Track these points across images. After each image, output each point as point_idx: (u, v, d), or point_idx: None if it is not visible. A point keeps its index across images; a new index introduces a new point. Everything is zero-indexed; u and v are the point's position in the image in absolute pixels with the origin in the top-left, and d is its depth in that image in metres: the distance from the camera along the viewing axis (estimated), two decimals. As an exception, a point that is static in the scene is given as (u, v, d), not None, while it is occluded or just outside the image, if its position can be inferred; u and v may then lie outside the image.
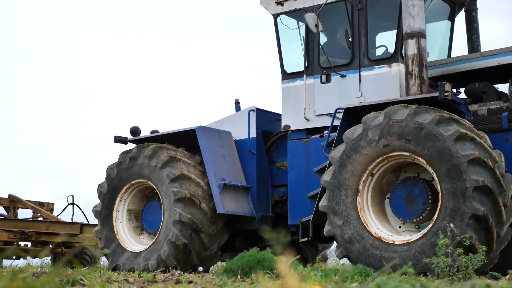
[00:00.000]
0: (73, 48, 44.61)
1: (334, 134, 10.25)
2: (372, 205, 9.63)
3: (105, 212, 12.21)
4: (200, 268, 11.02)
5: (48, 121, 46.85)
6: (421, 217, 9.31)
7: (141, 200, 12.42)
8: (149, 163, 11.71)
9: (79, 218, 16.91)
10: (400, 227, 9.63)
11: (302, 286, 2.02)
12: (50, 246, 16.07)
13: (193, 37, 49.41)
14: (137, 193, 12.28)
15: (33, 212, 17.09)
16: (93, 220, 15.46)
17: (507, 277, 6.75)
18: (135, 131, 12.75)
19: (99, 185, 12.45)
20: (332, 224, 9.59)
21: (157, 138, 12.42)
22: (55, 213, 17.31)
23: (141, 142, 12.52)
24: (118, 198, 12.14)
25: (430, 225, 8.90)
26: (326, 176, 9.74)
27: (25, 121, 45.28)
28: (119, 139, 12.94)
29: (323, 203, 9.72)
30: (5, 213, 16.84)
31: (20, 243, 16.12)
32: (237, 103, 13.09)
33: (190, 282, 7.04)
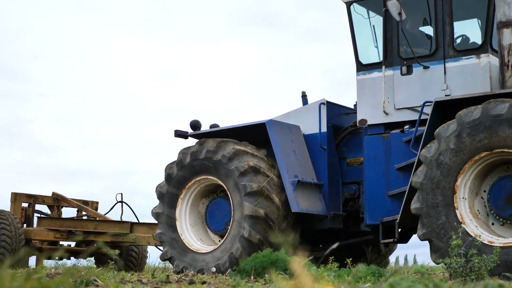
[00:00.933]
0: (85, 48, 44.70)
1: (421, 129, 9.75)
2: (469, 205, 9.00)
3: (166, 213, 11.54)
4: (213, 269, 11.02)
5: (59, 122, 46.97)
6: None
7: (204, 198, 11.78)
8: (214, 158, 11.09)
9: (128, 217, 16.13)
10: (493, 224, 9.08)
11: (316, 286, 2.03)
12: (95, 245, 15.40)
13: (208, 39, 49.46)
14: (200, 191, 11.62)
15: (77, 211, 16.44)
16: (143, 219, 15.33)
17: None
18: (195, 125, 12.05)
19: (158, 185, 11.76)
20: (426, 227, 8.98)
21: (220, 133, 11.77)
22: (100, 212, 16.50)
23: (202, 136, 11.84)
24: (180, 198, 11.47)
25: None
26: (417, 177, 9.17)
27: (36, 122, 45.39)
28: (179, 134, 12.19)
29: (415, 205, 9.11)
30: (49, 212, 16.02)
31: (63, 243, 15.54)
32: (304, 96, 12.39)
33: (204, 282, 7.07)
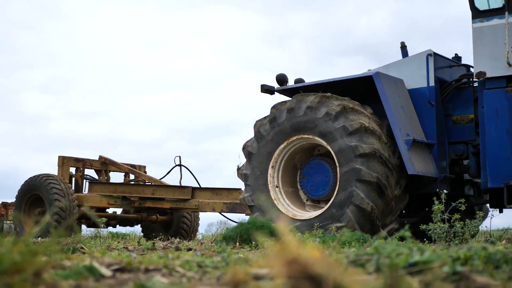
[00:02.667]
0: (70, 18, 44.36)
1: None
2: None
3: (255, 174, 10.49)
4: (200, 236, 11.09)
5: (44, 92, 46.73)
6: None
7: (299, 160, 10.69)
8: (315, 115, 9.96)
9: (187, 181, 15.21)
10: None
11: (301, 248, 2.05)
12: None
13: (193, 5, 49.12)
14: (295, 151, 10.53)
15: (125, 176, 15.44)
16: (205, 184, 14.24)
17: (503, 241, 6.82)
18: (282, 79, 10.96)
19: (246, 144, 10.72)
20: None
21: (310, 88, 10.63)
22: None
23: (291, 91, 10.86)
24: (273, 158, 10.38)
25: None
26: None
27: (20, 92, 45.15)
28: (266, 89, 11.10)
29: None
30: (96, 177, 15.03)
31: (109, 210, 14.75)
32: (403, 47, 11.37)
33: (190, 249, 7.10)
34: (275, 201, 10.23)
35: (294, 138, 10.19)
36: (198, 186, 13.73)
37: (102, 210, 14.42)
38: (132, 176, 15.44)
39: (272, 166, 10.38)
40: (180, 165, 14.60)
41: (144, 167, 15.73)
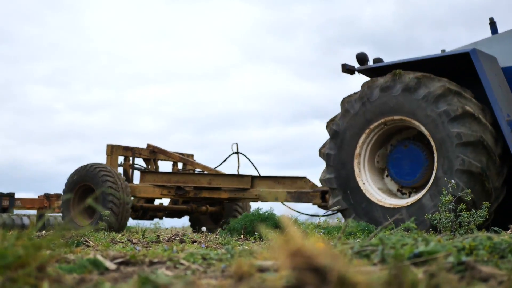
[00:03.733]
0: (73, 9, 44.32)
1: None
2: None
3: (339, 155, 9.75)
4: (204, 228, 11.07)
5: (48, 84, 46.74)
6: None
7: (388, 142, 9.99)
8: (413, 96, 9.22)
9: (245, 169, 14.03)
10: None
11: (305, 240, 2.05)
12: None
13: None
14: (384, 133, 9.78)
15: (173, 165, 14.59)
16: (265, 172, 13.21)
17: (509, 231, 6.80)
18: (363, 58, 10.26)
19: (331, 121, 9.94)
20: None
21: (395, 66, 9.80)
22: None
23: (375, 71, 10.17)
24: (361, 139, 9.65)
25: None
26: None
27: (24, 84, 45.17)
28: (348, 68, 10.30)
29: None
30: (145, 166, 14.11)
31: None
32: (492, 23, 10.40)
33: (194, 241, 7.11)
34: (360, 186, 9.54)
35: (386, 118, 9.48)
36: (258, 174, 12.84)
37: (150, 201, 13.85)
38: (180, 165, 14.69)
39: (360, 147, 9.68)
40: (237, 152, 13.71)
41: (192, 155, 15.00)
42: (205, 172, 13.65)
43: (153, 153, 14.16)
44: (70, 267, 3.29)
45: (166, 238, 7.94)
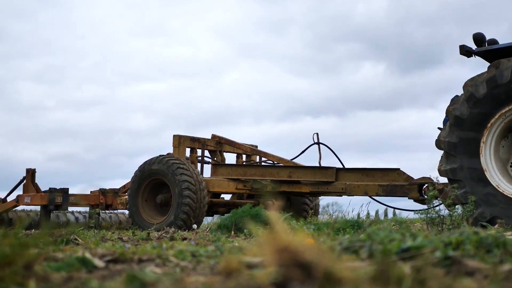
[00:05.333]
0: (65, 5, 44.21)
1: None
2: None
3: (466, 165, 8.86)
4: (194, 226, 11.06)
5: (41, 82, 46.64)
6: None
7: (506, 136, 9.12)
8: None
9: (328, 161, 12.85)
10: None
11: (292, 235, 2.06)
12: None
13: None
14: (503, 127, 8.88)
15: (237, 157, 13.73)
16: (349, 164, 12.46)
17: (496, 226, 6.84)
18: (480, 39, 9.51)
19: (451, 106, 9.10)
20: None
21: None
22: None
23: (493, 54, 9.41)
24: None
25: None
26: None
27: (15, 81, 45.06)
28: (466, 50, 9.49)
29: None
30: (210, 159, 13.32)
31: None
32: None
33: (184, 239, 7.11)
34: (498, 188, 8.61)
35: (503, 111, 8.66)
36: (342, 166, 11.94)
37: (215, 195, 13.10)
38: (240, 157, 13.91)
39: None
40: (318, 143, 12.60)
41: (256, 146, 14.08)
42: (280, 164, 12.73)
43: (219, 144, 13.37)
44: (58, 266, 3.28)
45: (157, 236, 7.94)
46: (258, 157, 13.82)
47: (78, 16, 45.79)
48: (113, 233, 9.64)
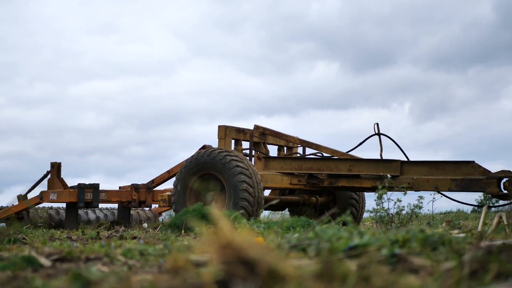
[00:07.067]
0: (16, 1, 43.54)
1: None
2: None
3: None
4: (145, 225, 10.98)
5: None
6: None
7: None
8: None
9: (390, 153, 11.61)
10: None
11: (235, 232, 2.06)
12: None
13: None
14: None
15: (279, 150, 12.74)
16: (413, 156, 11.16)
17: (443, 224, 6.94)
18: None
19: None
20: None
21: None
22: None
23: None
24: None
25: None
26: None
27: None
28: None
29: None
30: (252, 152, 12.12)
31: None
32: None
33: (134, 237, 7.07)
34: None
35: None
36: (406, 159, 11.01)
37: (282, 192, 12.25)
38: (282, 150, 12.87)
39: None
40: (379, 133, 11.49)
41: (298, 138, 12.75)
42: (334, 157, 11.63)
43: (263, 136, 12.30)
44: (3, 265, 3.24)
45: (106, 235, 7.88)
46: (300, 149, 12.82)
47: (29, 13, 45.18)
48: (62, 232, 9.53)
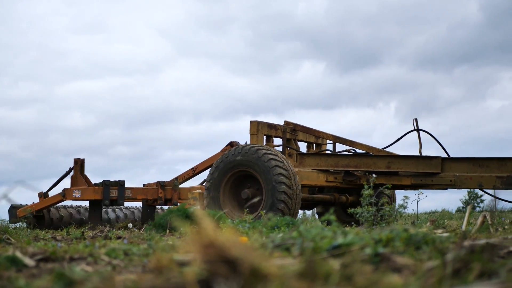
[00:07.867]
0: (5, 1, 43.38)
1: None
2: None
3: None
4: (130, 225, 10.95)
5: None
6: None
7: None
8: None
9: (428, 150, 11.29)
10: None
11: (220, 232, 2.07)
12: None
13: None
14: None
15: (308, 147, 12.33)
16: (454, 153, 10.66)
17: (428, 224, 6.97)
18: None
19: None
20: None
21: None
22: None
23: None
24: None
25: None
26: None
27: None
28: None
29: None
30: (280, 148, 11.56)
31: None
32: None
33: (119, 237, 7.06)
34: None
35: None
36: (447, 156, 10.63)
37: (317, 190, 11.95)
38: (311, 147, 12.44)
39: None
40: (417, 129, 11.06)
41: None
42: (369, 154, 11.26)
43: (294, 132, 11.83)
44: (-13, 265, 3.23)
45: (91, 235, 7.87)
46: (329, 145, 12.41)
47: (16, 12, 45.01)
48: (46, 232, 9.50)
